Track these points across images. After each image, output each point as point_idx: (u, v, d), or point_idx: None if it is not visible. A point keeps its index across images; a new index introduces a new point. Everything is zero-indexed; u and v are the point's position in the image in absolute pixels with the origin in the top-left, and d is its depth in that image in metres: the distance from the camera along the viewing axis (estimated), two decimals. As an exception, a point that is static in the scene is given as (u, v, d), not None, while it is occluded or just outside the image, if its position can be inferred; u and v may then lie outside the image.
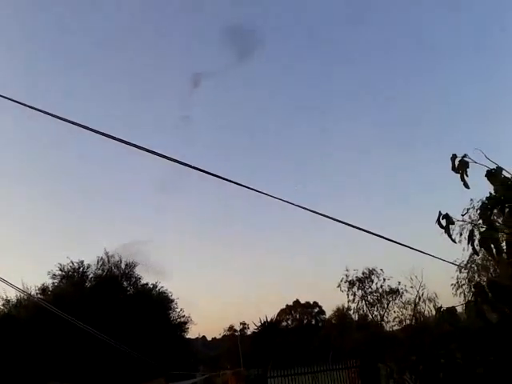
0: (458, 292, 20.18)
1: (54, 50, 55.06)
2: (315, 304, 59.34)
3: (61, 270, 23.40)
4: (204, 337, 63.20)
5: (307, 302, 59.70)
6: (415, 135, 60.34)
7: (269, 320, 53.59)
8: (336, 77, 65.09)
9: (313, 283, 68.07)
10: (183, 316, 26.32)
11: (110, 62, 58.94)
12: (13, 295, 22.41)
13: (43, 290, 22.76)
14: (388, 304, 22.07)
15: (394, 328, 21.83)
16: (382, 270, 22.53)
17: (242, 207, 64.58)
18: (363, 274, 22.55)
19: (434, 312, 20.18)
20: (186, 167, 4.49)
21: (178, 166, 4.52)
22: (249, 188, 4.80)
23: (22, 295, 22.29)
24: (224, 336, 59.40)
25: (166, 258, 62.58)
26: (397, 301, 21.95)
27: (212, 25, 63.88)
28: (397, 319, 21.66)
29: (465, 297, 19.51)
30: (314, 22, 60.25)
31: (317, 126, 65.21)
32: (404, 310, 21.62)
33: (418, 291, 21.22)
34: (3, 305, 22.19)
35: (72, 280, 23.08)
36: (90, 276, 24.06)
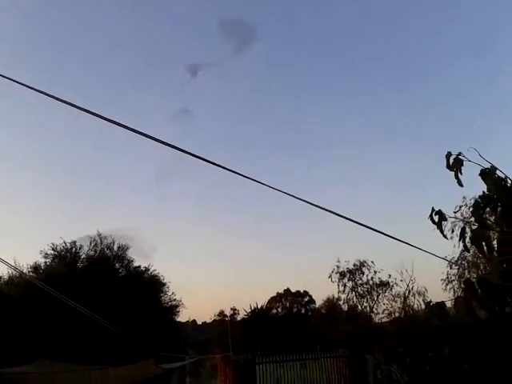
0: (448, 287, 20.43)
1: (55, 41, 54.87)
2: (305, 293, 59.67)
3: (53, 249, 23.44)
4: (194, 321, 63.53)
5: (297, 291, 59.99)
6: (416, 130, 60.59)
7: (259, 307, 53.91)
8: (338, 69, 64.95)
9: (304, 272, 68.62)
10: (174, 300, 26.40)
11: (110, 55, 58.73)
12: (4, 272, 22.47)
13: (35, 268, 22.76)
14: (378, 296, 22.32)
15: (383, 320, 22.10)
16: (372, 262, 22.76)
17: (236, 195, 64.90)
18: (354, 265, 22.78)
19: (423, 306, 20.42)
20: (186, 155, 4.51)
21: (176, 153, 4.54)
22: (241, 175, 4.82)
23: (14, 273, 22.31)
24: (214, 321, 59.67)
25: (160, 243, 62.81)
26: (386, 293, 22.22)
27: (210, 16, 63.19)
28: (386, 311, 21.93)
29: (454, 292, 19.77)
30: (316, 16, 60.00)
31: (318, 117, 65.10)
32: (393, 303, 21.88)
33: (407, 285, 21.47)
34: (-6, 282, 22.24)
35: (64, 260, 23.10)
36: (83, 257, 24.09)
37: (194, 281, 68.18)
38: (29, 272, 22.43)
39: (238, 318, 57.05)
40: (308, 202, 4.73)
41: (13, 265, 15.35)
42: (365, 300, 22.66)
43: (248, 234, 71.58)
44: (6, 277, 22.52)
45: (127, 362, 15.05)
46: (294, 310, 59.48)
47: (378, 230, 4.53)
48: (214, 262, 72.51)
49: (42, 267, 23.10)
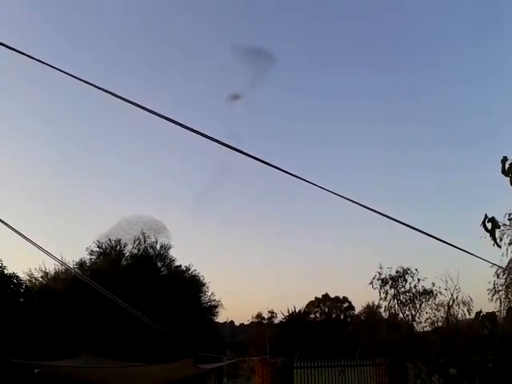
0: (494, 298, 19.71)
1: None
2: (345, 299, 59.21)
3: (99, 246, 24.07)
4: (232, 322, 63.86)
5: (336, 297, 59.60)
6: (467, 133, 59.27)
7: (297, 311, 53.74)
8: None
9: (343, 278, 68.00)
10: (214, 300, 26.60)
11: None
12: (51, 268, 23.13)
13: (81, 264, 23.37)
14: (420, 305, 21.69)
15: (425, 329, 21.48)
16: (416, 269, 22.13)
17: (280, 195, 64.89)
18: (397, 272, 22.19)
19: (467, 316, 19.81)
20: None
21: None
22: (289, 173, 4.81)
23: (60, 268, 22.99)
24: (252, 323, 59.82)
25: (200, 244, 63.54)
26: (430, 302, 21.54)
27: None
28: (429, 320, 21.30)
29: (501, 303, 19.05)
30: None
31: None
32: (437, 312, 21.22)
33: (452, 294, 20.79)
34: (41, 277, 22.86)
35: (109, 257, 23.65)
36: (127, 254, 24.59)
37: (233, 282, 68.66)
38: (74, 268, 23.07)
39: (276, 321, 57.03)
40: (354, 202, 4.69)
41: (61, 260, 15.81)
42: (407, 308, 22.06)
43: (287, 238, 71.44)
44: (52, 272, 23.16)
45: (166, 360, 15.21)
46: (333, 315, 59.01)
47: (429, 233, 4.43)
48: (253, 265, 72.87)
49: (88, 264, 23.70)
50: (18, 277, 20.13)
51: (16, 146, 55.67)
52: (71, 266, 22.95)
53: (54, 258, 10.32)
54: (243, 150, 4.58)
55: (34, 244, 8.32)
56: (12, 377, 16.46)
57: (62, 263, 16.11)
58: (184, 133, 4.51)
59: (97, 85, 4.50)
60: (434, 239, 4.87)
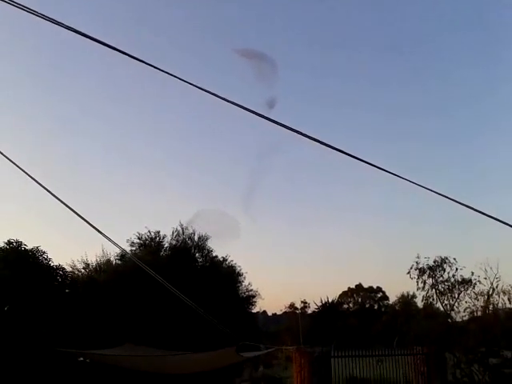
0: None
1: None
2: (378, 289, 58.94)
3: (139, 238, 24.60)
4: (265, 311, 64.30)
5: (370, 287, 59.38)
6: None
7: (330, 301, 53.76)
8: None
9: (376, 268, 67.65)
10: (251, 290, 26.92)
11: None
12: (93, 260, 23.82)
13: (122, 256, 23.88)
14: (459, 294, 21.53)
15: (464, 319, 21.35)
16: (455, 259, 21.95)
17: (312, 183, 64.68)
18: (435, 262, 22.04)
19: (508, 304, 19.66)
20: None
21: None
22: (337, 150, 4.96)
23: (101, 260, 23.69)
24: (284, 313, 60.12)
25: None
26: (469, 291, 21.37)
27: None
28: (468, 310, 21.16)
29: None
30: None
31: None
32: (476, 301, 21.06)
33: (491, 283, 20.59)
34: (83, 268, 23.53)
35: (149, 248, 24.15)
36: (166, 246, 25.07)
37: (265, 272, 69.07)
38: (115, 259, 23.76)
39: (309, 312, 57.19)
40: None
41: (121, 246, 16.35)
42: (445, 298, 21.94)
43: (319, 227, 71.31)
44: (94, 264, 23.81)
45: (206, 349, 15.54)
46: (367, 305, 58.88)
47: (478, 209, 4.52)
48: (284, 255, 73.07)
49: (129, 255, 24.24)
50: (63, 269, 20.70)
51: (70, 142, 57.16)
52: (112, 258, 23.72)
53: (115, 243, 10.73)
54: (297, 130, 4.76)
55: (106, 236, 8.64)
56: (57, 365, 17.06)
57: (120, 247, 16.47)
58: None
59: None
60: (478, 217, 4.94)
